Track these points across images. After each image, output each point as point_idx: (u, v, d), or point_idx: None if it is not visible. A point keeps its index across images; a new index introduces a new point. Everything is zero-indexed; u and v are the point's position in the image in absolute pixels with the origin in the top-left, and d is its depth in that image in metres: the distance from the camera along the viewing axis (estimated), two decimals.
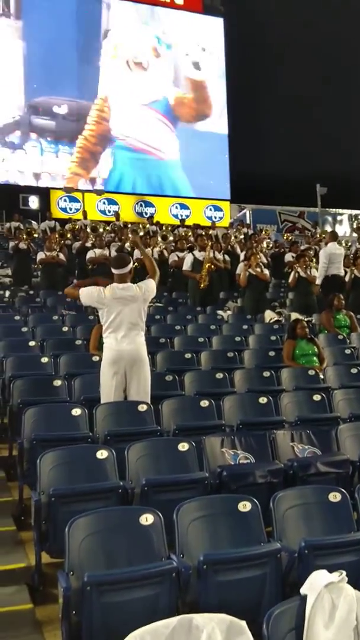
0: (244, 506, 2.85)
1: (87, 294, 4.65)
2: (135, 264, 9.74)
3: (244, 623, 2.03)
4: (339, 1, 21.32)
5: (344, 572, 2.28)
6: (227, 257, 10.28)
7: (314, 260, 9.94)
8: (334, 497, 3.00)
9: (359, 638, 2.16)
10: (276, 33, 21.89)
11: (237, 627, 2.00)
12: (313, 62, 22.30)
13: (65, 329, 6.85)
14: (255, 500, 2.88)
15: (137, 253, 10.31)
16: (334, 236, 9.24)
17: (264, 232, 13.82)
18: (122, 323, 4.56)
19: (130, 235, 10.91)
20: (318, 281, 8.66)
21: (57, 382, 4.84)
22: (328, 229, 18.11)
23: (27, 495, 3.75)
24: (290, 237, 13.25)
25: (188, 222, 17.37)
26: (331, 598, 2.17)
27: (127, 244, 11.02)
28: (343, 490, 3.05)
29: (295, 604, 2.17)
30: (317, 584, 2.20)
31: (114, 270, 4.74)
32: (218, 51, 21.80)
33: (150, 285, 4.77)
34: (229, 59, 21.54)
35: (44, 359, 5.49)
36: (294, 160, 21.08)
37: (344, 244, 12.33)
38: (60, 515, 3.00)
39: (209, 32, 21.67)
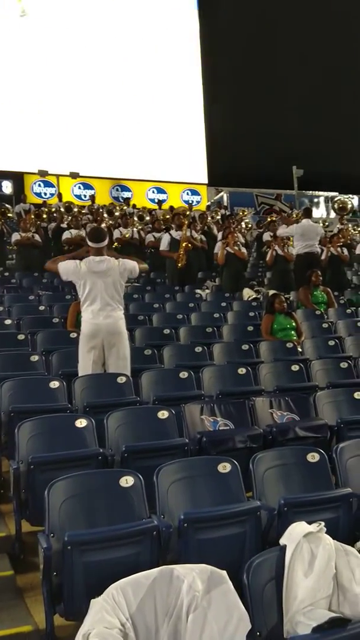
0: (224, 467, 2.87)
1: (65, 267, 4.61)
2: (115, 244, 9.76)
3: (224, 573, 2.04)
4: None
5: (323, 523, 2.30)
6: (203, 237, 10.24)
7: (291, 239, 9.95)
8: (312, 457, 3.04)
9: (338, 586, 2.20)
10: (249, 16, 21.71)
11: (218, 576, 2.01)
12: (288, 42, 22.20)
13: (42, 308, 6.77)
14: (235, 462, 2.89)
15: (116, 233, 10.27)
16: (307, 213, 9.25)
17: (241, 213, 13.80)
18: (97, 296, 4.53)
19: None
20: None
21: (34, 358, 4.80)
22: None
23: (6, 468, 3.71)
24: (272, 217, 13.23)
25: (165, 206, 17.28)
26: (310, 548, 2.20)
27: (102, 225, 10.92)
28: (321, 450, 3.08)
29: (275, 554, 2.19)
30: (296, 534, 2.22)
31: (90, 243, 4.69)
32: (193, 36, 21.60)
33: (130, 264, 4.73)
34: (204, 43, 21.38)
35: (21, 336, 5.43)
36: (270, 142, 21.02)
37: (320, 224, 12.38)
38: (39, 483, 2.97)
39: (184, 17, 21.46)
